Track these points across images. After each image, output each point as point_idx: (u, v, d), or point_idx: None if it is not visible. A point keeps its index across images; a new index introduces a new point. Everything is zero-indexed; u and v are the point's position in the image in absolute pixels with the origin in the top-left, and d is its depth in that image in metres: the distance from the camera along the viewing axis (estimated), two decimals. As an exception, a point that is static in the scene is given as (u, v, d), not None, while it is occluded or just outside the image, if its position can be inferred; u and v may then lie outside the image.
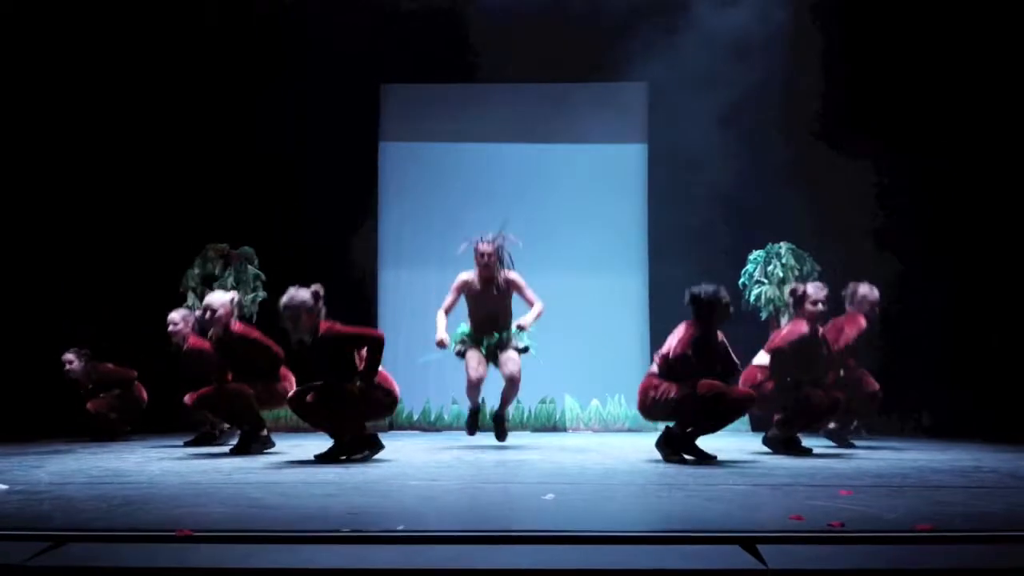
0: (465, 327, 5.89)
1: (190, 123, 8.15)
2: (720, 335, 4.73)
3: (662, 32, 7.61)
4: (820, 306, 5.20)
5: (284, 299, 4.73)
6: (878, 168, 7.51)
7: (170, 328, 5.99)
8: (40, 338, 7.33)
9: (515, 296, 5.91)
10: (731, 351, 4.75)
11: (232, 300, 5.29)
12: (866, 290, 5.81)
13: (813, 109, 7.83)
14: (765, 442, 5.28)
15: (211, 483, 3.67)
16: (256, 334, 5.37)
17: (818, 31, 7.66)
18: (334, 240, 7.91)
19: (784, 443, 5.18)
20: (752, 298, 7.34)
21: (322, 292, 4.78)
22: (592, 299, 8.30)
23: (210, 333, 5.26)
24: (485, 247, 5.80)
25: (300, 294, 4.72)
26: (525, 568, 2.22)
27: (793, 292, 5.32)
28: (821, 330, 5.33)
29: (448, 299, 5.90)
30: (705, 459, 4.63)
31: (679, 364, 4.58)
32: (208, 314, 5.20)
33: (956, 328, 7.17)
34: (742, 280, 7.45)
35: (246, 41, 8.18)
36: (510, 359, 5.70)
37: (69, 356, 6.51)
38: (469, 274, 5.89)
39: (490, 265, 5.79)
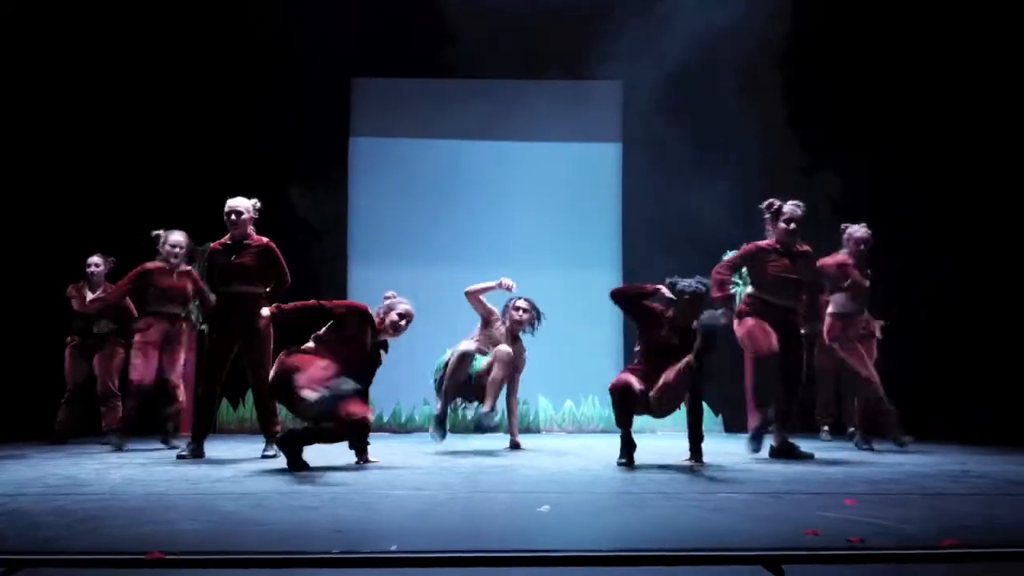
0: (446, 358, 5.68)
1: (154, 121, 7.89)
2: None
3: (637, 30, 7.50)
4: (792, 225, 5.04)
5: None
6: (849, 166, 7.48)
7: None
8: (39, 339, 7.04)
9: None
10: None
11: (255, 205, 5.23)
12: (853, 229, 5.78)
13: (788, 106, 7.78)
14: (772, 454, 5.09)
15: (178, 494, 3.42)
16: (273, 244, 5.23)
17: (798, 28, 7.61)
18: (304, 237, 7.70)
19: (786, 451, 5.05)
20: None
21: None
22: (566, 299, 8.13)
23: (229, 234, 5.17)
24: (525, 304, 5.88)
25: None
26: (533, 592, 2.05)
27: (769, 205, 5.14)
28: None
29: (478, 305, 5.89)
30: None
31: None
32: (233, 216, 5.11)
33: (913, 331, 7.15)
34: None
35: (214, 34, 7.91)
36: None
37: (96, 259, 6.53)
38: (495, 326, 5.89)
39: (525, 323, 5.86)
